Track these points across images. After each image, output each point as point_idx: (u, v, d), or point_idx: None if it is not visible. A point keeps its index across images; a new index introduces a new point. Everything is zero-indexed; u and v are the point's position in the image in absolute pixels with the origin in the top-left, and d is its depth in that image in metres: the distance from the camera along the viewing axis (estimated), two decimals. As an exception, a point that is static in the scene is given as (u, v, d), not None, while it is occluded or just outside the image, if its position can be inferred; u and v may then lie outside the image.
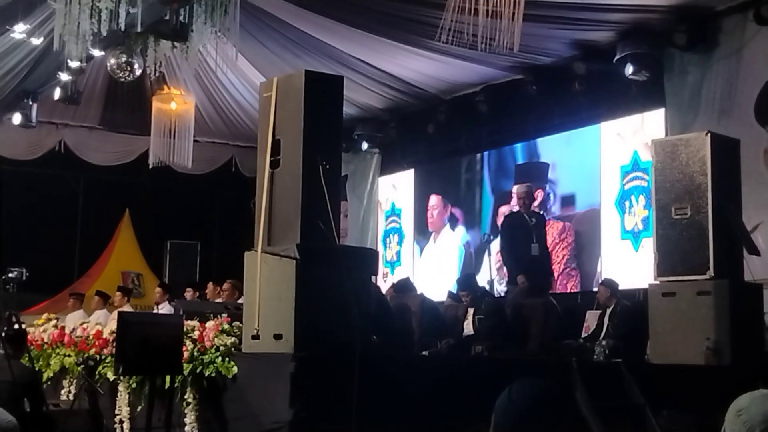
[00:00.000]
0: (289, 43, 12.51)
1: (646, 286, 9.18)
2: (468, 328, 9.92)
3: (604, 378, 7.64)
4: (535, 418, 2.35)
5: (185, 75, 13.50)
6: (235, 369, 6.99)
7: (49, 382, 9.50)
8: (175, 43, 11.24)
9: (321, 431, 6.18)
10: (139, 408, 7.92)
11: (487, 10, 7.48)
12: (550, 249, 11.55)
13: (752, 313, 8.48)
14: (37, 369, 9.03)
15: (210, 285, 13.97)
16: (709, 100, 10.77)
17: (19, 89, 14.51)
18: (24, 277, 8.77)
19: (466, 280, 10.80)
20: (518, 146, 13.83)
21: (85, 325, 9.89)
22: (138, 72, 11.75)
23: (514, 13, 7.60)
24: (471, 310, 9.97)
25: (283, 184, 7.03)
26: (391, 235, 15.91)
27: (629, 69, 11.23)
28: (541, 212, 11.66)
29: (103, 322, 10.47)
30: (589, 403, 6.77)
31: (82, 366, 8.80)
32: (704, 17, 10.69)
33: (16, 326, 8.40)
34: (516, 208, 11.45)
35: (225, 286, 13.00)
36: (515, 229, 10.49)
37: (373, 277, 8.12)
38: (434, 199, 14.99)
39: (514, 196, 10.65)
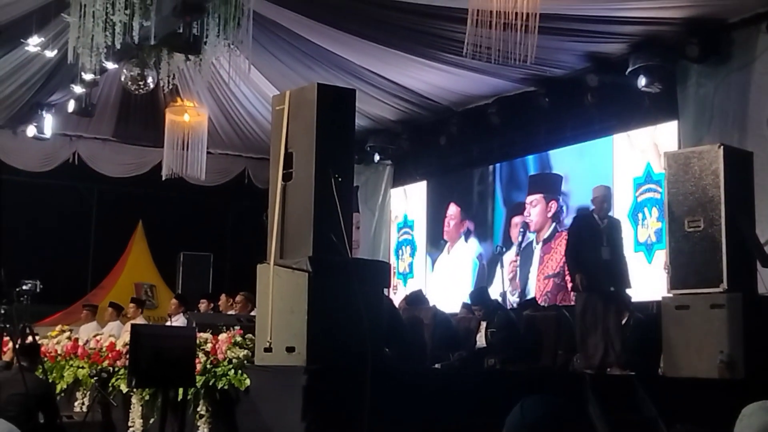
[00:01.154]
0: (301, 55, 12.55)
1: (659, 298, 9.16)
2: (481, 340, 9.90)
3: (618, 391, 7.62)
4: None
5: (198, 87, 13.56)
6: (248, 381, 7.01)
7: (62, 394, 9.53)
8: (189, 56, 11.29)
9: (333, 444, 6.19)
10: (152, 420, 7.94)
11: (503, 23, 7.49)
12: (562, 261, 11.50)
13: (766, 326, 8.43)
14: (50, 381, 9.06)
15: (223, 297, 13.99)
16: (722, 113, 10.74)
17: (33, 102, 14.59)
18: (38, 289, 8.80)
19: (479, 293, 10.73)
20: (530, 158, 13.83)
21: (98, 337, 9.93)
22: (151, 85, 11.81)
23: (526, 26, 7.61)
24: (483, 324, 9.95)
25: (296, 197, 7.05)
26: (403, 247, 15.90)
27: (642, 81, 11.22)
28: (616, 217, 10.54)
29: (117, 334, 10.49)
30: (602, 417, 6.76)
31: (95, 378, 8.83)
32: (716, 29, 10.67)
33: (30, 338, 8.43)
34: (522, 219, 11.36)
35: (238, 298, 13.01)
36: (582, 231, 9.67)
37: (385, 290, 8.12)
38: (453, 209, 14.97)
39: (592, 201, 9.81)
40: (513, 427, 2.38)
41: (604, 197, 9.54)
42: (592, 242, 9.28)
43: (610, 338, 8.93)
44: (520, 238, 13.43)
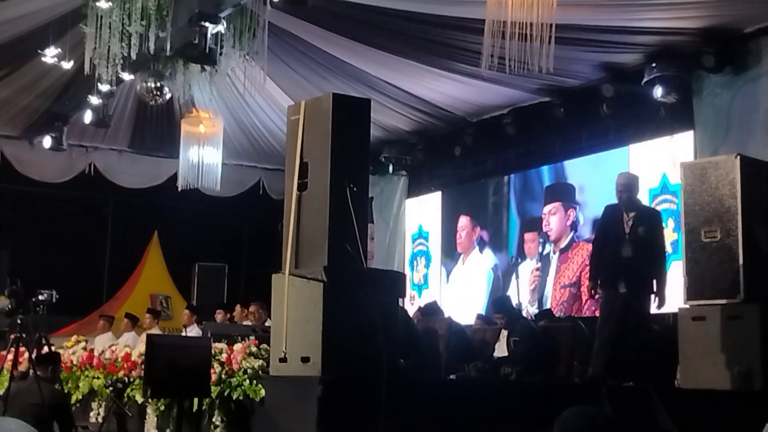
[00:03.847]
0: (316, 65, 12.57)
1: (675, 310, 9.10)
2: (500, 350, 9.84)
3: (634, 403, 7.57)
4: None
5: (213, 98, 13.59)
6: (263, 392, 7.00)
7: (77, 405, 9.55)
8: (204, 67, 11.33)
9: (348, 455, 6.17)
10: (168, 431, 7.94)
11: (519, 33, 7.48)
12: (578, 271, 11.44)
13: (783, 338, 8.38)
14: (66, 391, 9.08)
15: (238, 307, 14.01)
16: (739, 123, 10.70)
17: (50, 112, 14.65)
18: (54, 299, 8.82)
19: (502, 302, 10.66)
20: (545, 169, 13.79)
21: (113, 348, 9.94)
22: (167, 96, 11.85)
23: (543, 36, 7.61)
24: (505, 333, 9.90)
25: (311, 207, 7.05)
26: (418, 258, 15.88)
27: (658, 91, 11.18)
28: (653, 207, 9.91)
29: (132, 345, 10.52)
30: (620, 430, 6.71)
31: (110, 388, 8.85)
32: (732, 39, 10.64)
33: (46, 348, 8.46)
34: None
35: (252, 308, 13.04)
36: (606, 227, 9.07)
37: (400, 300, 8.10)
38: (463, 221, 14.97)
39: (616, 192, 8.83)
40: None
41: (623, 186, 8.89)
42: (615, 238, 8.80)
43: (614, 348, 8.54)
44: (540, 249, 13.39)
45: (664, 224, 9.17)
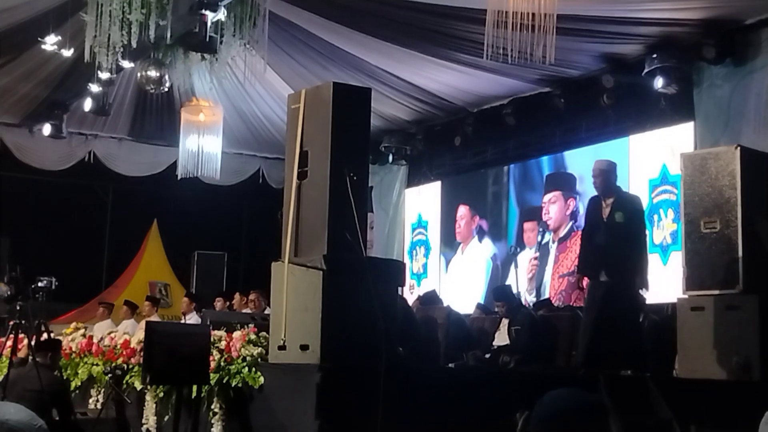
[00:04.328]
0: (317, 55, 12.56)
1: (674, 300, 9.12)
2: (499, 338, 9.85)
3: (632, 392, 7.60)
4: (570, 429, 2.33)
5: (214, 86, 13.58)
6: (262, 379, 7.02)
7: (77, 391, 9.57)
8: (204, 55, 11.32)
9: (347, 442, 6.19)
10: (166, 417, 7.97)
11: (519, 24, 7.48)
12: (577, 261, 11.43)
13: (782, 328, 8.40)
14: (65, 378, 9.10)
15: (237, 295, 14.03)
16: (739, 114, 10.70)
17: (49, 100, 14.65)
18: (53, 287, 8.84)
19: (503, 290, 10.67)
20: (544, 159, 13.80)
21: (112, 335, 9.96)
22: (167, 84, 11.85)
23: (544, 27, 7.60)
24: (505, 321, 9.90)
25: (311, 196, 7.06)
26: (417, 248, 15.90)
27: (658, 82, 11.18)
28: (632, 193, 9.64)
29: (131, 332, 10.54)
30: (617, 418, 6.73)
31: (109, 375, 8.86)
32: (733, 31, 10.63)
33: (45, 335, 8.47)
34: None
35: (252, 296, 13.06)
36: (588, 216, 9.08)
37: (399, 289, 8.11)
38: (462, 210, 14.97)
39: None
40: (537, 420, 2.37)
41: (597, 172, 8.79)
42: (596, 227, 8.74)
43: (595, 336, 8.43)
44: (539, 238, 13.40)
45: (644, 209, 9.05)
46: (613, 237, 8.54)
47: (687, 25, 10.70)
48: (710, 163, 8.62)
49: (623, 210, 8.62)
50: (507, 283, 12.74)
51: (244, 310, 12.86)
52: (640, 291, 8.76)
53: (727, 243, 8.40)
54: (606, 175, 8.77)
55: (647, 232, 9.64)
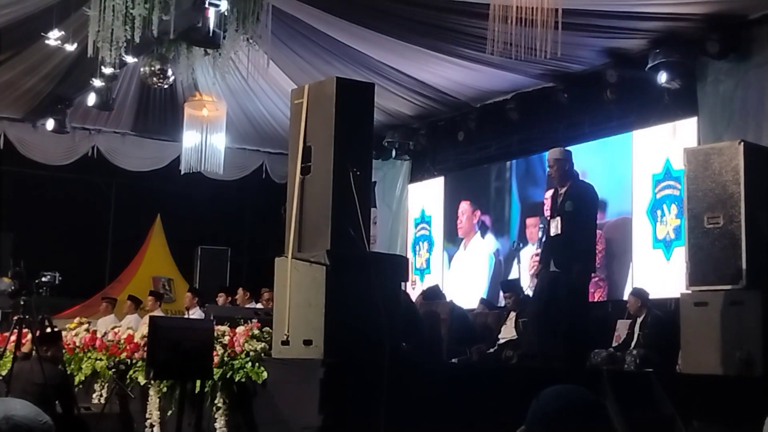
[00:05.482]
0: (320, 50, 12.56)
1: (677, 295, 9.12)
2: (506, 331, 9.83)
3: (635, 388, 7.60)
4: (566, 426, 2.33)
5: (217, 81, 13.58)
6: (265, 374, 7.02)
7: (80, 386, 9.57)
8: (207, 50, 11.32)
9: (350, 437, 6.20)
10: (170, 412, 7.96)
11: (523, 18, 7.47)
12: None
13: (785, 324, 8.40)
14: (68, 372, 9.11)
15: (240, 291, 14.04)
16: (742, 109, 10.69)
17: (53, 95, 14.66)
18: (57, 281, 8.84)
19: (511, 282, 10.67)
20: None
21: (116, 330, 9.96)
22: (171, 79, 11.85)
23: (547, 21, 7.60)
24: (513, 314, 9.88)
25: (314, 191, 7.06)
26: (420, 243, 15.90)
27: (662, 77, 11.17)
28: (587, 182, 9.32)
29: (135, 327, 10.53)
30: (619, 414, 6.74)
31: (113, 370, 8.86)
32: (737, 26, 10.62)
33: (49, 329, 8.48)
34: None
35: (266, 295, 13.00)
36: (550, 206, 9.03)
37: (403, 284, 8.11)
38: (463, 205, 14.99)
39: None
40: (533, 418, 2.37)
41: (551, 161, 8.75)
42: (552, 216, 8.68)
43: (540, 326, 8.41)
44: (540, 233, 13.38)
45: (595, 197, 8.83)
46: (563, 226, 8.43)
47: (691, 20, 10.69)
48: (714, 158, 8.61)
49: (572, 199, 8.50)
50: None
51: (247, 305, 12.87)
52: (589, 278, 8.67)
53: (730, 238, 8.40)
54: (560, 164, 8.67)
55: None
